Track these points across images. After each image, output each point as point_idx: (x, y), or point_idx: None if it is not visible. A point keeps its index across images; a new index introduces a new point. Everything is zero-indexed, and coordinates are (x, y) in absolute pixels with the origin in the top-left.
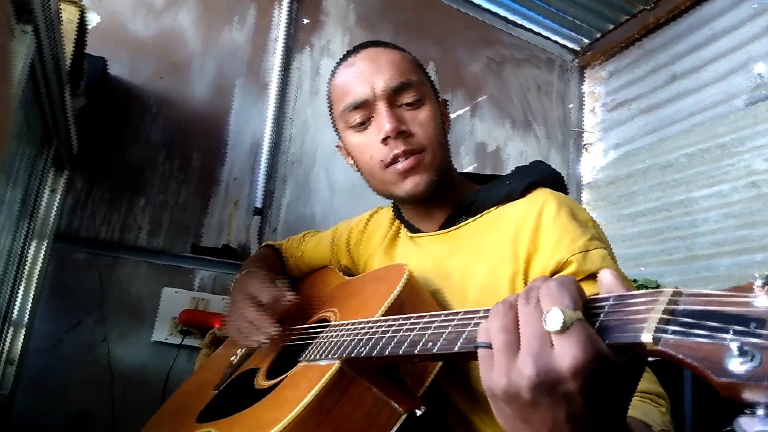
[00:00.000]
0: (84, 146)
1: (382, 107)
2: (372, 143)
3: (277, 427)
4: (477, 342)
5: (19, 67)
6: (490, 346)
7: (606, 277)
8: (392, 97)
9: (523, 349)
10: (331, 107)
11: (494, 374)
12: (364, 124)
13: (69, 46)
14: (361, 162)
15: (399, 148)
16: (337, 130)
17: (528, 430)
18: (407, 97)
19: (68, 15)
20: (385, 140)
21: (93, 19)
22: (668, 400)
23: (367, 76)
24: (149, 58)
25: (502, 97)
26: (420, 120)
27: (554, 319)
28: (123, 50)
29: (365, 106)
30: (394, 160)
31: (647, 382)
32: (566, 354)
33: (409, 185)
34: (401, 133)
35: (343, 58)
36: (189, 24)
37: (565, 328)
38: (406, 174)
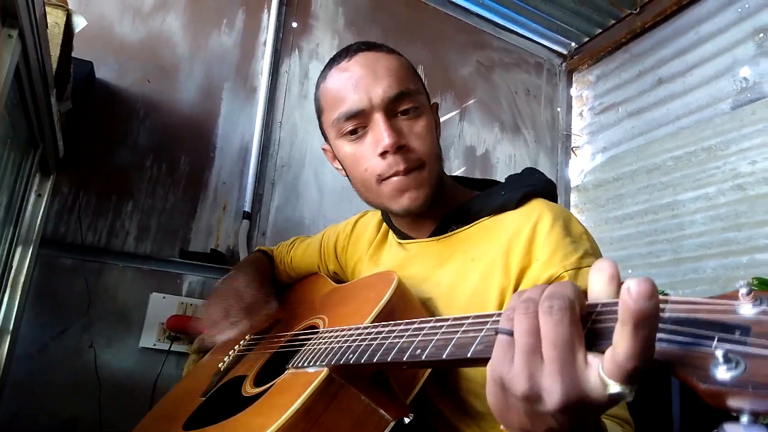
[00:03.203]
0: (70, 150)
1: (379, 118)
2: (367, 155)
3: None
4: (499, 327)
5: (4, 70)
6: (510, 333)
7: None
8: (390, 107)
9: (552, 368)
10: (320, 112)
11: (513, 371)
12: (357, 133)
13: (55, 50)
14: (355, 173)
15: (399, 165)
16: (324, 134)
17: (525, 424)
18: (405, 106)
19: (54, 18)
20: (383, 154)
21: (80, 23)
22: (633, 426)
23: (364, 84)
24: (137, 62)
25: (491, 100)
26: (417, 131)
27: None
28: (110, 54)
29: (361, 115)
30: (393, 176)
31: (617, 407)
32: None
33: (406, 201)
34: (400, 148)
35: (335, 61)
36: (177, 28)
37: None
38: (403, 190)
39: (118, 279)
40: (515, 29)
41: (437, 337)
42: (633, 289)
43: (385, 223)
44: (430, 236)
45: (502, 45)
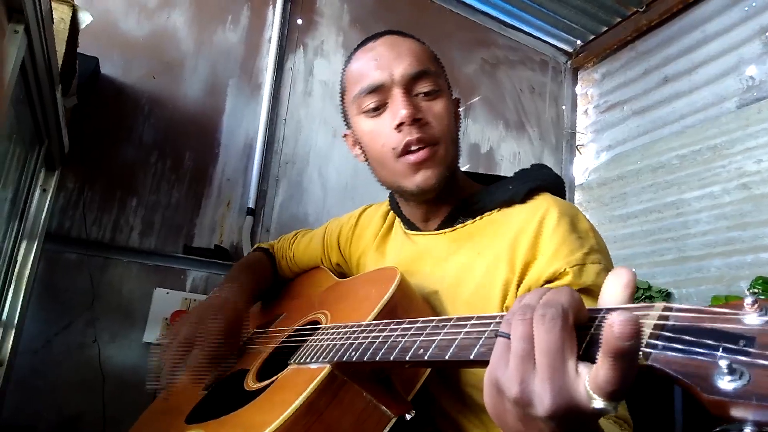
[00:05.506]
0: (75, 146)
1: (398, 93)
2: (385, 130)
3: (266, 430)
4: (498, 331)
5: (10, 66)
6: (508, 336)
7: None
8: (410, 84)
9: (543, 375)
10: (343, 93)
11: (507, 374)
12: (378, 110)
13: (61, 46)
14: (372, 150)
15: (413, 135)
16: (346, 118)
17: (519, 428)
18: (424, 86)
19: (60, 14)
20: (399, 126)
21: (85, 19)
22: (631, 425)
23: (386, 61)
24: (142, 58)
25: (495, 98)
26: (435, 111)
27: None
28: (115, 50)
29: (381, 91)
30: (407, 148)
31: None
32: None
33: (419, 178)
34: (416, 121)
35: (362, 44)
36: (182, 24)
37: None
38: (418, 166)
39: (122, 274)
40: (520, 27)
41: (440, 337)
42: (616, 329)
43: (391, 214)
44: (437, 229)
45: (507, 42)
